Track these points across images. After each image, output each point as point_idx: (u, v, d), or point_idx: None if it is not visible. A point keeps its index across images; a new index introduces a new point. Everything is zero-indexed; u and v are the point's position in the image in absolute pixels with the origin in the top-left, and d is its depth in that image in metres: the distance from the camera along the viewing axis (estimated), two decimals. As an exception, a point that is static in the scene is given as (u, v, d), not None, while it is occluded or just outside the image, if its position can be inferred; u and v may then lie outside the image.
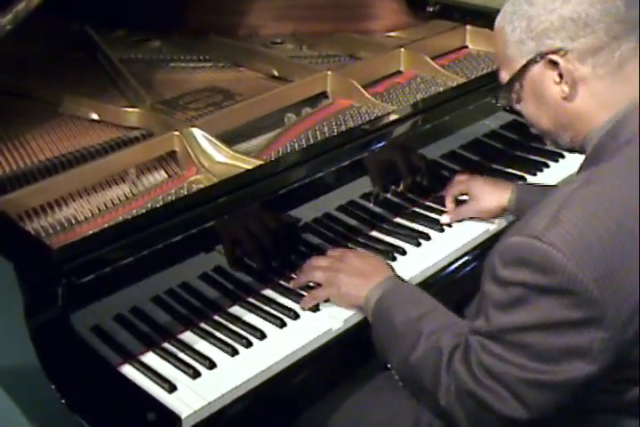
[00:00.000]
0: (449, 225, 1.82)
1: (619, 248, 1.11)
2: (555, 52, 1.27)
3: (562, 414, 1.20)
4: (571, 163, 2.09)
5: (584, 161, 1.34)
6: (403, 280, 1.55)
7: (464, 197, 1.88)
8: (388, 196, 1.85)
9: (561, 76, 1.28)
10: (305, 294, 1.58)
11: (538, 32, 1.28)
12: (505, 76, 1.37)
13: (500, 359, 1.18)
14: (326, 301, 1.56)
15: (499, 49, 1.37)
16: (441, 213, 1.86)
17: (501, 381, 1.18)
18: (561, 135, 1.36)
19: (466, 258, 1.77)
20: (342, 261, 1.58)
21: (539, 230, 1.12)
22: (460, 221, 1.83)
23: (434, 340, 1.33)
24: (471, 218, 1.84)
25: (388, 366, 1.49)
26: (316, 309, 1.55)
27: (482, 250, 1.79)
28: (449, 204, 1.87)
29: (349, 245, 1.74)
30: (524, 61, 1.31)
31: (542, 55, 1.28)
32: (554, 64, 1.27)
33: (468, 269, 1.77)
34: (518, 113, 1.41)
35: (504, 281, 1.17)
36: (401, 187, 1.86)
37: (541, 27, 1.27)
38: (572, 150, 1.40)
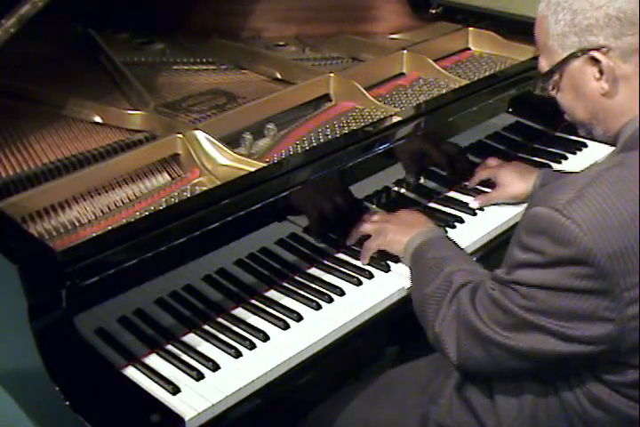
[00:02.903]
0: (473, 212, 1.87)
1: (638, 229, 1.14)
2: (597, 49, 1.27)
3: (550, 363, 1.25)
4: (574, 164, 2.09)
5: (614, 151, 1.35)
6: (443, 232, 1.68)
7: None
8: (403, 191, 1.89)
9: (601, 72, 1.28)
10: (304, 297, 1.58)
11: (582, 28, 1.27)
12: (544, 66, 1.37)
13: (506, 298, 1.25)
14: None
15: (540, 38, 1.36)
16: (446, 214, 1.86)
17: (504, 311, 1.25)
18: (595, 127, 1.37)
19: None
20: (390, 214, 1.72)
21: (561, 204, 1.16)
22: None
23: (448, 276, 1.43)
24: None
25: None
26: (318, 308, 1.55)
27: (485, 251, 1.79)
28: (472, 184, 1.94)
29: (352, 247, 1.73)
30: (565, 54, 1.31)
31: (584, 51, 1.28)
32: (595, 61, 1.28)
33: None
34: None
35: (525, 246, 1.22)
36: (404, 188, 1.87)
37: (585, 22, 1.27)
38: (604, 142, 1.42)
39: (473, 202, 1.89)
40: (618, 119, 1.32)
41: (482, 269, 1.49)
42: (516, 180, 1.86)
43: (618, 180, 1.18)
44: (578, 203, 1.15)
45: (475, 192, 1.93)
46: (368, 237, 1.70)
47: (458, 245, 1.61)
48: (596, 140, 1.47)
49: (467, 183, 1.97)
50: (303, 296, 1.58)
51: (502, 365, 1.30)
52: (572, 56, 1.30)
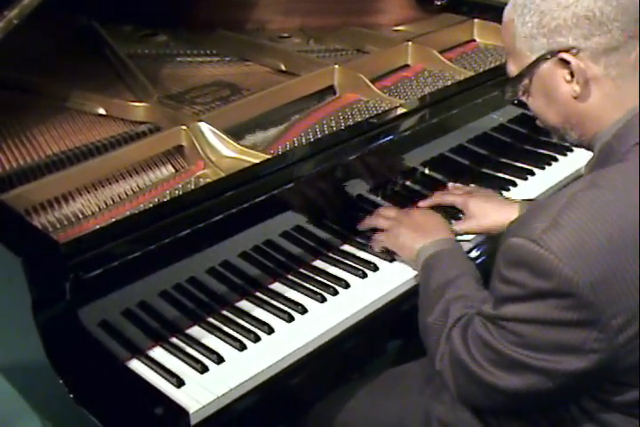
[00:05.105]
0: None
1: (618, 253, 1.10)
2: (567, 50, 1.22)
3: (549, 397, 1.23)
4: (579, 157, 2.08)
5: (591, 161, 1.32)
6: (455, 243, 1.62)
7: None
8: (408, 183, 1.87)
9: (572, 74, 1.24)
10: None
11: (550, 29, 1.23)
12: (513, 70, 1.33)
13: (495, 338, 1.21)
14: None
15: (507, 41, 1.32)
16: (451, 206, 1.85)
17: (495, 352, 1.21)
18: (569, 132, 1.33)
19: (476, 253, 1.76)
20: (407, 214, 1.67)
21: (537, 234, 1.12)
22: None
23: (447, 306, 1.39)
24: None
25: None
26: (323, 300, 1.54)
27: (490, 244, 1.78)
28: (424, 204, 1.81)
29: (357, 239, 1.73)
30: (533, 57, 1.27)
31: (553, 53, 1.24)
32: (565, 62, 1.23)
33: (477, 263, 1.76)
34: (527, 106, 1.39)
35: (506, 279, 1.18)
36: (409, 180, 1.86)
37: (554, 23, 1.22)
38: (579, 146, 1.38)
39: None
40: (592, 123, 1.28)
41: (482, 292, 1.43)
42: (488, 211, 1.73)
43: (592, 203, 1.13)
44: (553, 231, 1.11)
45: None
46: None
47: (467, 259, 1.56)
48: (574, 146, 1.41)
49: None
50: (308, 289, 1.58)
51: (499, 403, 1.29)
52: (542, 58, 1.26)
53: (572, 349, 1.14)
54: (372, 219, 1.70)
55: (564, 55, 1.23)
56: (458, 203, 1.79)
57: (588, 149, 1.34)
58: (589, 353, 1.13)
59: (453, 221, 1.75)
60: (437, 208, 1.79)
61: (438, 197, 1.83)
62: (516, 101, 2.02)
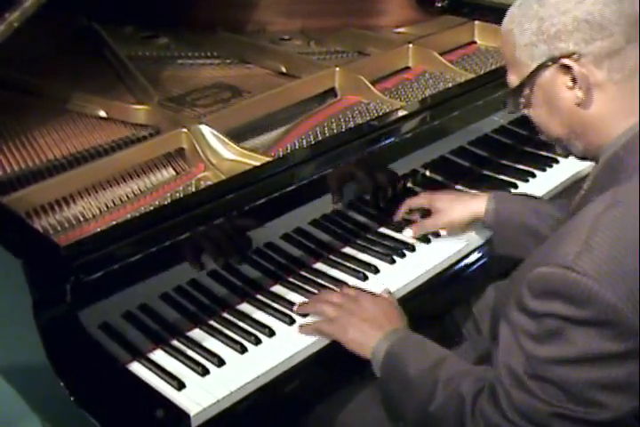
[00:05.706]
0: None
1: None
2: (568, 55, 1.19)
3: None
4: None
5: (598, 172, 1.26)
6: (409, 330, 1.46)
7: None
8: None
9: (574, 80, 1.20)
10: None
11: (550, 35, 1.20)
12: (514, 81, 1.29)
13: (532, 395, 1.12)
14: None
15: (507, 52, 1.28)
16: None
17: (531, 418, 1.13)
18: (573, 143, 1.29)
19: (478, 254, 1.77)
20: (356, 302, 1.49)
21: (570, 259, 1.06)
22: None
23: (454, 386, 1.27)
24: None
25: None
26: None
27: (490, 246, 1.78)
28: (400, 215, 1.77)
29: (358, 241, 1.74)
30: (534, 65, 1.23)
31: (554, 59, 1.20)
32: (567, 68, 1.20)
33: (478, 265, 1.76)
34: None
35: (535, 313, 1.11)
36: (409, 182, 1.86)
37: (554, 29, 1.19)
38: (583, 159, 1.34)
39: (406, 231, 1.73)
40: (597, 132, 1.24)
41: (470, 364, 1.36)
42: (453, 204, 1.70)
43: (619, 222, 1.09)
44: (587, 255, 1.05)
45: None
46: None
47: (427, 341, 1.41)
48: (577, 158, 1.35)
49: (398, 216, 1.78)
50: (309, 291, 1.58)
51: None
52: (542, 66, 1.22)
53: (621, 387, 1.07)
54: (315, 305, 1.52)
55: (566, 61, 1.20)
56: (424, 203, 1.75)
57: (593, 160, 1.30)
58: (634, 392, 1.07)
59: (419, 220, 1.75)
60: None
61: (406, 205, 1.77)
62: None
